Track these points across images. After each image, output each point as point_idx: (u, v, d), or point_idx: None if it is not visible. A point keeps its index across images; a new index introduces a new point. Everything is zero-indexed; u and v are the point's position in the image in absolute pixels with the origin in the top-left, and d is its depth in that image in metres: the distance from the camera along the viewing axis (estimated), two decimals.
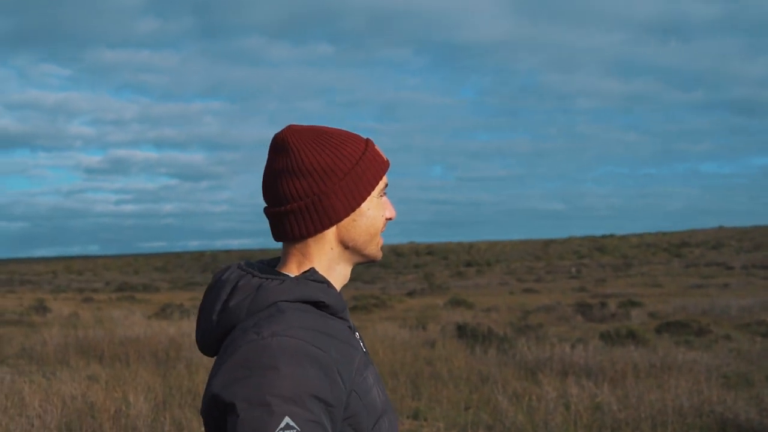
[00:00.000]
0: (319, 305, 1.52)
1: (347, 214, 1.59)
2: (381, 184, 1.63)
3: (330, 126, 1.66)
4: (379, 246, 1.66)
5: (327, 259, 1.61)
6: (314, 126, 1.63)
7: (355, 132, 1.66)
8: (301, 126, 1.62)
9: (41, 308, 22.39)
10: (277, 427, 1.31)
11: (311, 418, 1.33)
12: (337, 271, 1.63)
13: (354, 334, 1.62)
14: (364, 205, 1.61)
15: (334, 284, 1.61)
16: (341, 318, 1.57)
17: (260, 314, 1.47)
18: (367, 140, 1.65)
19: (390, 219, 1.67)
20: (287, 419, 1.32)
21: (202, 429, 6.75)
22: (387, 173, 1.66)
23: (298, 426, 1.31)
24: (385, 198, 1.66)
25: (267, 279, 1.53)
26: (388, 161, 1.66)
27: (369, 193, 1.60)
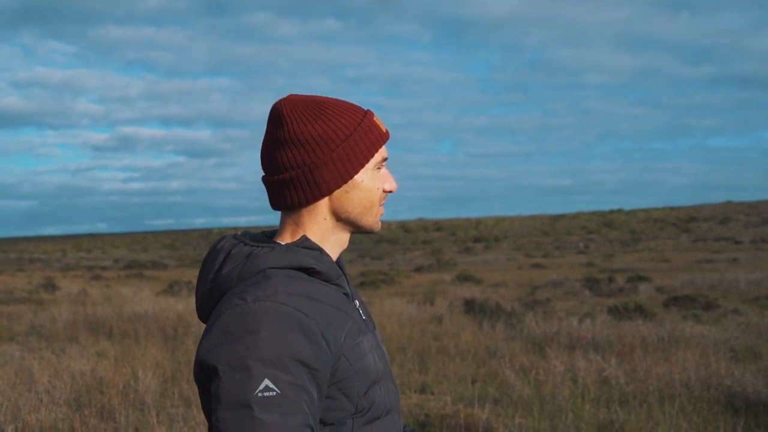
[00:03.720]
0: (309, 271, 1.54)
1: (338, 186, 1.58)
2: (378, 157, 1.61)
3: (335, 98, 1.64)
4: (377, 218, 1.64)
5: (320, 230, 1.61)
6: (313, 96, 1.61)
7: (359, 105, 1.64)
8: (300, 96, 1.61)
9: (50, 286, 22.49)
10: (257, 389, 1.33)
11: (292, 380, 1.35)
12: (332, 240, 1.63)
13: (352, 301, 1.64)
14: (357, 177, 1.59)
15: (329, 251, 1.63)
16: (336, 284, 1.58)
17: (248, 281, 1.50)
18: (366, 111, 1.62)
19: (390, 192, 1.65)
20: (267, 381, 1.34)
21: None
22: (387, 145, 1.65)
23: (278, 388, 1.34)
24: (384, 170, 1.64)
25: (257, 247, 1.55)
26: (386, 133, 1.63)
27: (362, 165, 1.59)
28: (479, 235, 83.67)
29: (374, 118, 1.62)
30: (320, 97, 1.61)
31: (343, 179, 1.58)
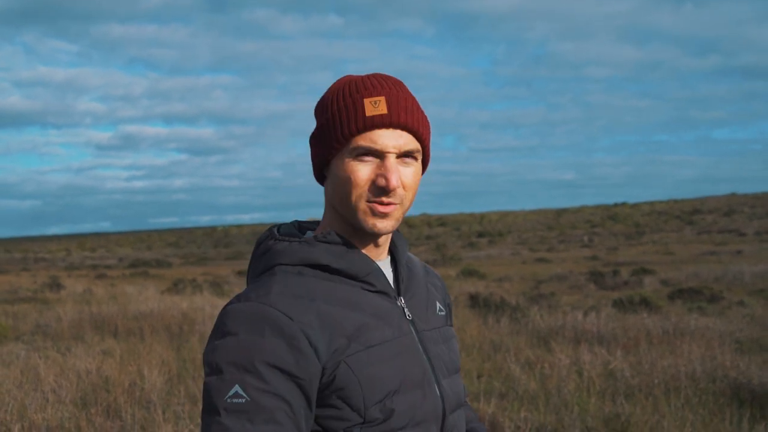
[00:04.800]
0: (325, 268, 1.46)
1: (318, 172, 1.54)
2: (354, 144, 1.44)
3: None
4: (365, 215, 1.45)
5: (330, 218, 1.54)
6: (352, 78, 1.51)
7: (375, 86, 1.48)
8: (345, 78, 1.53)
9: (55, 285, 22.51)
10: (226, 395, 1.30)
11: (265, 388, 1.31)
12: (349, 232, 1.51)
13: (396, 298, 1.54)
14: (333, 164, 1.48)
15: (361, 245, 1.52)
16: (364, 281, 1.48)
17: (259, 278, 1.48)
18: (357, 96, 1.46)
19: (382, 187, 1.43)
20: (237, 387, 1.30)
21: None
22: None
23: (248, 395, 1.30)
24: (373, 161, 1.45)
25: (277, 241, 1.50)
26: (367, 120, 1.43)
27: (331, 153, 1.47)
28: (483, 229, 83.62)
29: (365, 101, 1.44)
30: (355, 78, 1.50)
31: (318, 166, 1.53)
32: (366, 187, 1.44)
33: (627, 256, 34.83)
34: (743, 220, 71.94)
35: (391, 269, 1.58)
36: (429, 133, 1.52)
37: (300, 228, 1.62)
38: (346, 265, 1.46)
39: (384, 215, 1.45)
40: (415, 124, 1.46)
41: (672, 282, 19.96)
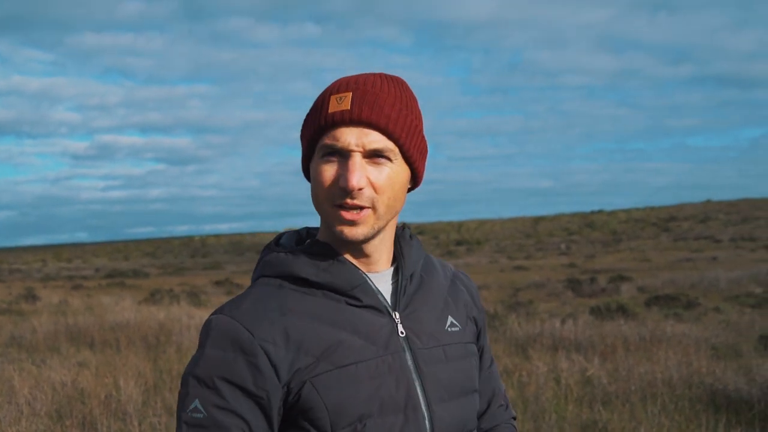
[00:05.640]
0: (305, 282, 1.39)
1: (306, 174, 1.45)
2: (320, 143, 1.36)
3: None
4: (334, 219, 1.36)
5: (322, 225, 1.45)
6: (354, 78, 1.40)
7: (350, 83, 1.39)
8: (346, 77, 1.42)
9: (30, 296, 22.29)
10: (188, 408, 1.30)
11: (221, 404, 1.29)
12: (336, 240, 1.41)
13: (389, 313, 1.43)
14: (311, 166, 1.39)
15: (353, 255, 1.43)
16: (349, 296, 1.39)
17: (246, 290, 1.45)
18: (326, 93, 1.39)
19: (342, 187, 1.32)
20: (196, 402, 1.30)
21: None
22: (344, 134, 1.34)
23: (204, 410, 1.29)
24: (338, 162, 1.34)
25: (270, 252, 1.45)
26: (328, 116, 1.34)
27: (305, 153, 1.42)
28: (461, 238, 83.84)
29: (332, 97, 1.36)
30: (351, 79, 1.39)
31: (303, 165, 1.45)
32: (331, 189, 1.34)
33: (604, 263, 35.05)
34: (718, 226, 72.67)
35: (393, 281, 1.47)
36: (410, 134, 1.37)
37: (308, 235, 1.53)
38: (329, 278, 1.38)
39: (351, 222, 1.34)
40: (383, 121, 1.33)
41: (649, 289, 20.10)
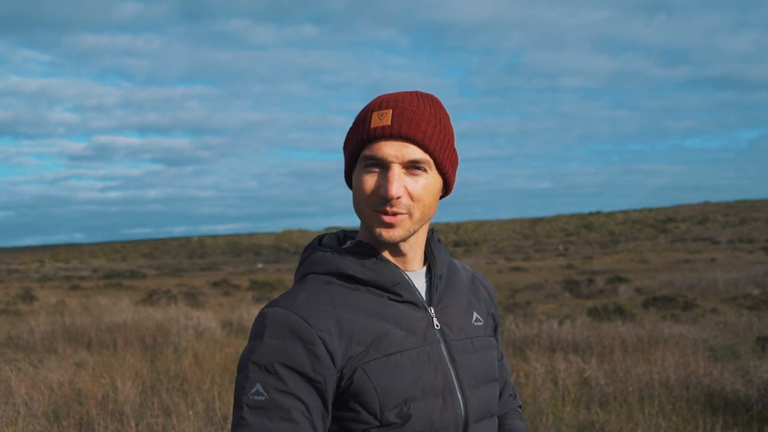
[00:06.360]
0: (352, 279, 1.54)
1: (347, 183, 1.60)
2: (363, 154, 1.51)
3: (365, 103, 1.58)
4: (373, 222, 1.51)
5: (362, 228, 1.59)
6: (394, 96, 1.56)
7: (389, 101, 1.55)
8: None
9: (28, 297, 22.29)
10: (249, 392, 1.43)
11: (281, 387, 1.42)
12: (378, 243, 1.56)
13: (425, 308, 1.58)
14: (353, 175, 1.56)
15: (392, 255, 1.59)
16: (391, 292, 1.55)
17: (295, 285, 1.59)
18: (368, 110, 1.54)
19: (383, 195, 1.47)
20: (258, 386, 1.42)
21: (189, 412, 6.74)
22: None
23: (266, 394, 1.41)
24: (379, 172, 1.50)
25: (315, 251, 1.61)
26: (373, 130, 1.49)
27: (347, 164, 1.57)
28: (459, 239, 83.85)
29: (374, 113, 1.52)
30: (394, 96, 1.55)
31: (346, 172, 1.59)
32: (373, 197, 1.49)
33: (602, 264, 35.08)
34: (717, 228, 72.69)
35: (425, 279, 1.63)
36: (443, 147, 1.53)
37: (345, 237, 1.69)
38: (374, 276, 1.54)
39: (389, 225, 1.50)
40: (419, 135, 1.48)
41: (646, 290, 20.11)
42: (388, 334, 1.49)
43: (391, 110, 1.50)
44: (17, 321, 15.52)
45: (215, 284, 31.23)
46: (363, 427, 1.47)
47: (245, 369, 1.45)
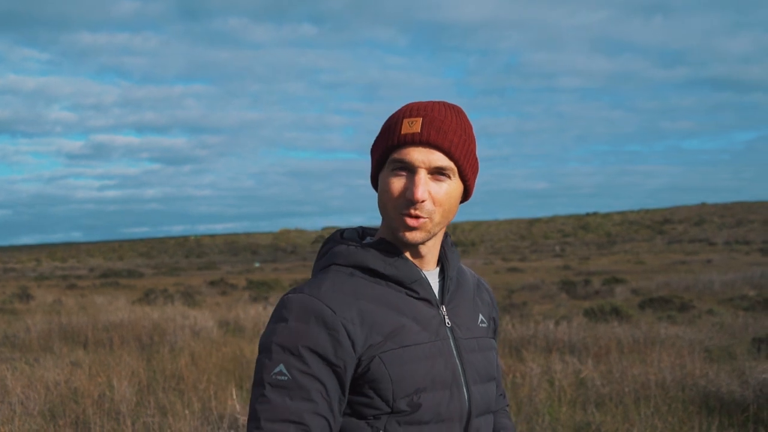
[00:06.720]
0: (373, 272, 1.63)
1: (373, 182, 1.69)
2: (391, 158, 1.59)
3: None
4: (398, 224, 1.60)
5: (383, 226, 1.69)
6: (412, 103, 1.66)
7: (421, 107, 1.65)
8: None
9: (24, 296, 22.27)
10: (272, 371, 1.51)
11: (305, 369, 1.50)
12: (399, 242, 1.64)
13: (437, 306, 1.67)
14: (380, 177, 1.64)
15: (412, 254, 1.67)
16: (409, 288, 1.63)
17: (317, 274, 1.67)
18: (399, 116, 1.63)
19: (409, 198, 1.56)
20: (281, 366, 1.50)
21: (186, 411, 6.74)
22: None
23: (289, 374, 1.50)
24: (406, 176, 1.58)
25: (338, 244, 1.68)
26: (401, 137, 1.58)
27: (374, 163, 1.66)
28: (456, 239, 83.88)
29: (405, 120, 1.61)
30: (425, 104, 1.65)
31: (372, 173, 1.68)
32: (399, 199, 1.58)
33: (598, 265, 35.11)
34: (713, 229, 72.77)
35: (438, 279, 1.73)
36: (467, 156, 1.63)
37: (363, 233, 1.78)
38: (394, 271, 1.62)
39: (412, 228, 1.58)
40: (446, 144, 1.57)
41: (643, 291, 20.14)
42: (405, 327, 1.58)
43: (421, 118, 1.59)
44: (13, 320, 15.51)
45: (212, 283, 31.23)
46: (374, 413, 1.56)
47: (268, 350, 1.52)
